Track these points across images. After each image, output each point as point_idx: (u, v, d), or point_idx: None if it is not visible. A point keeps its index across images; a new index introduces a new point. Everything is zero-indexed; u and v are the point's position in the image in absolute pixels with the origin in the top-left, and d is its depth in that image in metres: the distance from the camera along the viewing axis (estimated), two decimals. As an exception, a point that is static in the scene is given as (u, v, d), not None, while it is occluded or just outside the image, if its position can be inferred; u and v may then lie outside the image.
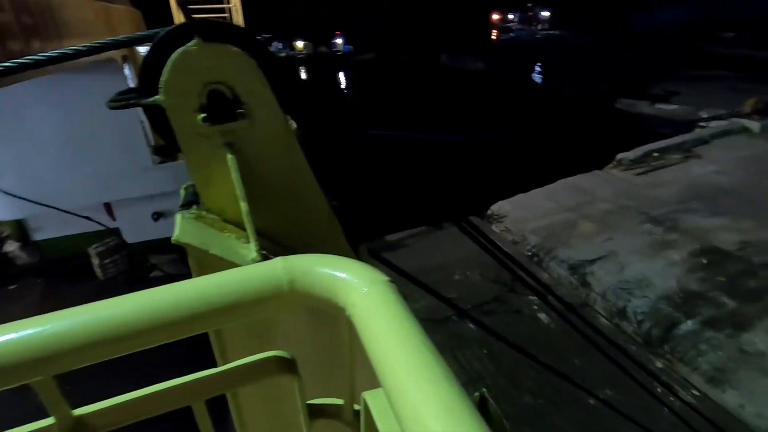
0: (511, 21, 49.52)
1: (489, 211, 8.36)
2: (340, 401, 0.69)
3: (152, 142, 6.02)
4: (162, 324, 0.47)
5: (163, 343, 0.49)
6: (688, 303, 5.46)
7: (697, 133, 10.39)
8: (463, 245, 7.22)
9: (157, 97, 0.85)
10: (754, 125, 10.25)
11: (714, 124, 10.71)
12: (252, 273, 0.53)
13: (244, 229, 0.97)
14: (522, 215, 7.96)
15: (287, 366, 0.62)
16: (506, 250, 7.65)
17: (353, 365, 0.62)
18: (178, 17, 5.95)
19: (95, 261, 6.03)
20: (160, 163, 6.21)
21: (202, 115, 0.87)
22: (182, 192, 1.06)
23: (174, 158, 6.06)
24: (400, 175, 12.17)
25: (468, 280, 6.65)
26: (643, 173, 8.83)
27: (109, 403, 0.54)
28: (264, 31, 50.75)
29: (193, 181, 0.97)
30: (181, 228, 0.92)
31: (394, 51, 42.38)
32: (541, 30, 45.72)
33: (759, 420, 4.09)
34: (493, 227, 8.01)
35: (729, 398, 4.35)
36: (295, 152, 1.02)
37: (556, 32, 41.46)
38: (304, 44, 49.88)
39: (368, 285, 0.48)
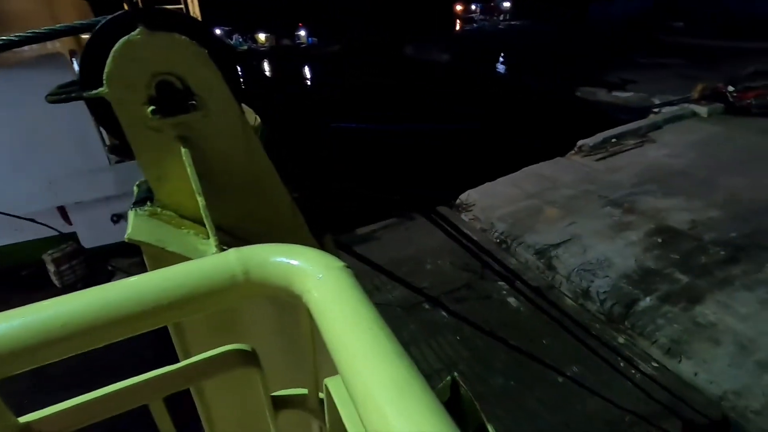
0: (474, 12, 50.05)
1: (458, 201, 8.49)
2: (304, 391, 0.69)
3: (108, 141, 5.75)
4: (113, 320, 0.45)
5: (116, 340, 0.47)
6: (645, 280, 5.75)
7: (651, 118, 10.87)
8: (434, 235, 7.31)
9: (100, 89, 0.81)
10: (702, 110, 10.83)
11: (666, 109, 11.24)
12: (206, 265, 0.52)
13: (203, 225, 0.94)
14: (489, 203, 8.13)
15: (249, 358, 0.61)
16: (475, 237, 7.80)
17: (315, 353, 0.62)
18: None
19: (51, 268, 5.74)
20: (118, 162, 5.95)
21: (151, 107, 0.84)
22: (135, 189, 1.02)
23: (133, 156, 5.82)
24: (367, 167, 12.15)
25: (439, 269, 6.75)
26: (602, 159, 9.18)
27: (58, 407, 0.52)
28: (223, 24, 49.16)
29: (145, 177, 0.94)
30: (135, 225, 0.89)
31: (359, 43, 42.04)
32: (503, 21, 46.42)
33: (711, 386, 4.38)
34: (462, 216, 8.14)
35: (684, 368, 4.63)
36: (253, 144, 1.00)
37: (518, 22, 42.22)
38: (267, 37, 48.65)
39: (323, 271, 0.48)
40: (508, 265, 6.63)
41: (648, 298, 5.47)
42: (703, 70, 15.33)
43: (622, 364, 4.49)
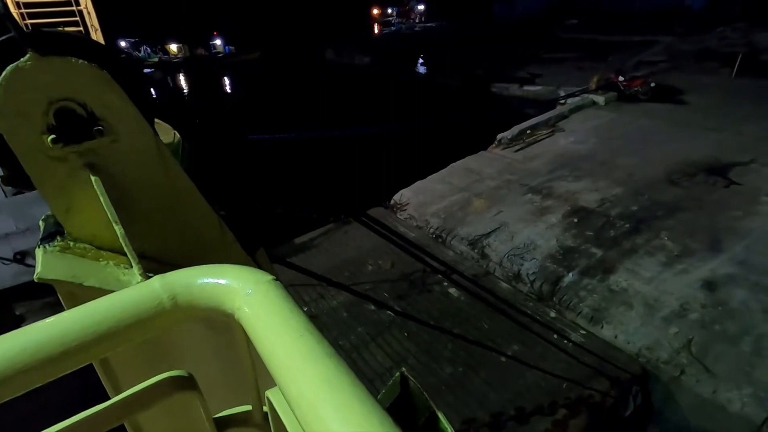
0: (391, 15, 51.19)
1: (391, 201, 8.66)
2: (248, 407, 0.69)
3: (1, 172, 5.13)
4: (34, 364, 0.43)
5: (39, 384, 0.45)
6: (567, 258, 6.28)
7: (559, 109, 11.87)
8: (372, 236, 7.39)
9: (-12, 121, 0.75)
10: (600, 99, 12.04)
11: (570, 100, 12.33)
12: (130, 295, 0.51)
13: (124, 254, 0.90)
14: (422, 200, 8.39)
15: (186, 384, 0.61)
16: (412, 235, 7.98)
17: (254, 368, 0.63)
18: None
19: (-59, 321, 4.99)
20: (16, 194, 5.34)
21: (52, 136, 0.79)
22: (41, 224, 0.95)
23: (33, 187, 5.24)
24: (294, 177, 11.98)
25: (380, 269, 6.85)
26: (520, 149, 9.85)
27: None
28: (129, 35, 45.64)
29: (51, 211, 0.88)
30: (44, 264, 0.83)
31: (279, 49, 41.19)
32: (419, 23, 47.97)
33: (629, 345, 4.90)
34: (398, 215, 8.32)
35: (606, 332, 5.13)
36: (170, 164, 0.97)
37: (433, 24, 43.87)
38: (179, 47, 45.92)
39: (252, 287, 0.50)
40: (445, 259, 6.92)
41: (570, 274, 5.98)
42: (596, 61, 17.03)
43: (554, 337, 4.88)
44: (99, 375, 0.86)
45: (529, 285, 6.12)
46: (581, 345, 4.86)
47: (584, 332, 5.29)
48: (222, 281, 0.51)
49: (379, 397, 2.17)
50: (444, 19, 42.36)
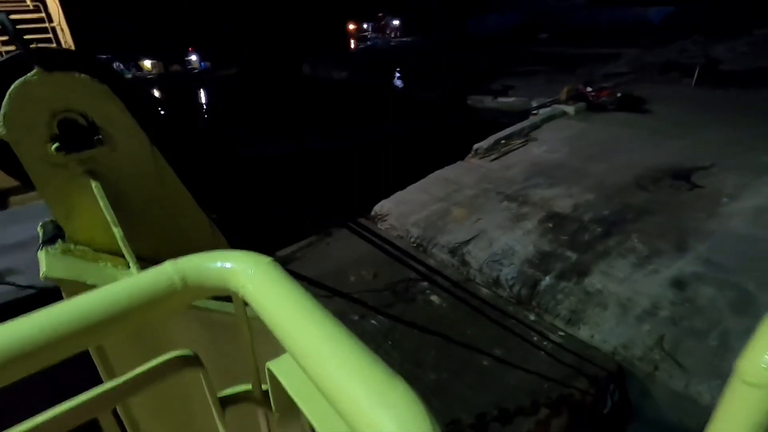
0: (366, 30, 51.97)
1: (372, 212, 8.75)
2: (248, 385, 0.76)
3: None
4: (62, 337, 0.49)
5: (64, 358, 0.51)
6: (543, 262, 6.48)
7: (532, 119, 12.27)
8: (354, 248, 7.47)
9: (-3, 131, 0.81)
10: (570, 109, 12.51)
11: (542, 111, 12.76)
12: (146, 278, 0.58)
13: (121, 256, 0.96)
14: (402, 211, 8.51)
15: (192, 362, 0.67)
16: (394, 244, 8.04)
17: (253, 348, 0.70)
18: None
19: None
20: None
21: (55, 145, 0.85)
22: (40, 230, 1.00)
23: (4, 205, 5.11)
24: (277, 189, 11.98)
25: (363, 280, 6.89)
26: (495, 159, 10.13)
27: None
28: (100, 52, 44.87)
29: (52, 216, 0.93)
30: (49, 264, 0.88)
31: (256, 64, 41.18)
32: (394, 38, 48.84)
33: (605, 344, 5.08)
34: (379, 225, 8.41)
35: (583, 333, 5.30)
36: (166, 173, 1.03)
37: (408, 39, 44.74)
38: (153, 63, 45.41)
39: (253, 267, 0.58)
40: (426, 267, 7.03)
41: (547, 278, 6.16)
42: (566, 74, 17.71)
43: (535, 338, 5.02)
44: (97, 366, 0.91)
45: (508, 290, 6.28)
46: (561, 345, 5.01)
47: (563, 333, 5.45)
48: (227, 264, 0.58)
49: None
50: (418, 34, 43.27)
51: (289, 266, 6.10)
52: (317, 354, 0.47)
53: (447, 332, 5.66)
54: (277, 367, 0.65)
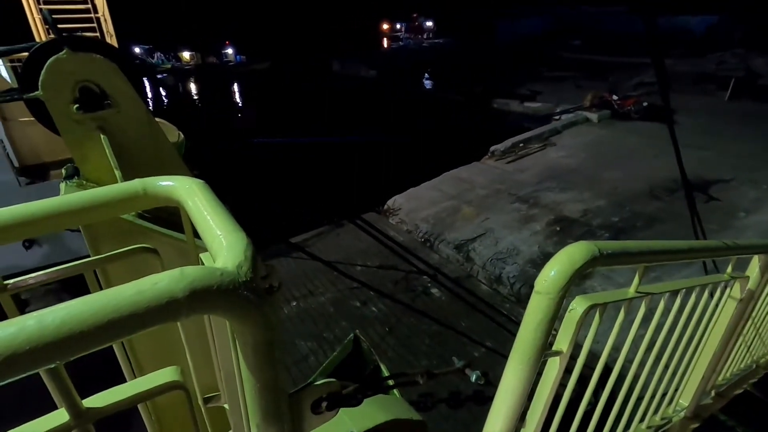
0: (399, 30, 52.31)
1: (385, 206, 9.03)
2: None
3: (17, 163, 5.57)
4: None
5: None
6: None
7: (553, 124, 12.26)
8: (363, 239, 7.76)
9: (37, 92, 1.13)
10: (593, 116, 12.43)
11: (565, 116, 12.73)
12: (123, 186, 0.87)
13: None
14: (413, 206, 8.75)
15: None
16: (401, 238, 8.32)
17: (194, 242, 0.99)
18: (38, 32, 5.66)
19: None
20: (29, 183, 5.76)
21: (76, 105, 1.17)
22: (63, 171, 1.33)
23: (45, 177, 5.67)
24: (301, 180, 12.43)
25: (369, 269, 7.18)
26: (512, 161, 10.22)
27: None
28: (143, 42, 46.99)
29: (72, 157, 1.25)
30: (66, 194, 1.21)
31: (288, 60, 42.20)
32: (427, 39, 48.97)
33: (598, 345, 5.17)
34: (390, 220, 8.68)
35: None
36: (158, 133, 1.35)
37: (440, 41, 44.79)
38: (191, 55, 47.22)
39: (189, 184, 0.86)
40: (430, 261, 7.26)
41: (547, 278, 6.27)
42: (596, 81, 17.47)
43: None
44: (118, 357, 1.21)
45: (508, 287, 6.42)
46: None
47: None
48: (171, 183, 0.88)
49: (335, 353, 2.61)
50: (451, 36, 43.23)
51: (301, 253, 6.45)
52: (208, 220, 0.73)
53: (443, 322, 5.89)
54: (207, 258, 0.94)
